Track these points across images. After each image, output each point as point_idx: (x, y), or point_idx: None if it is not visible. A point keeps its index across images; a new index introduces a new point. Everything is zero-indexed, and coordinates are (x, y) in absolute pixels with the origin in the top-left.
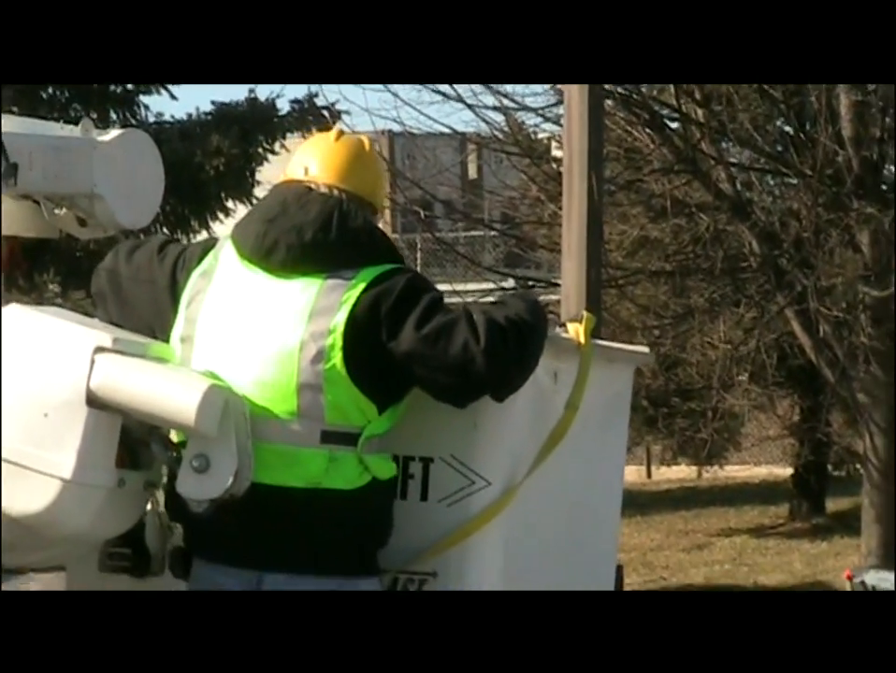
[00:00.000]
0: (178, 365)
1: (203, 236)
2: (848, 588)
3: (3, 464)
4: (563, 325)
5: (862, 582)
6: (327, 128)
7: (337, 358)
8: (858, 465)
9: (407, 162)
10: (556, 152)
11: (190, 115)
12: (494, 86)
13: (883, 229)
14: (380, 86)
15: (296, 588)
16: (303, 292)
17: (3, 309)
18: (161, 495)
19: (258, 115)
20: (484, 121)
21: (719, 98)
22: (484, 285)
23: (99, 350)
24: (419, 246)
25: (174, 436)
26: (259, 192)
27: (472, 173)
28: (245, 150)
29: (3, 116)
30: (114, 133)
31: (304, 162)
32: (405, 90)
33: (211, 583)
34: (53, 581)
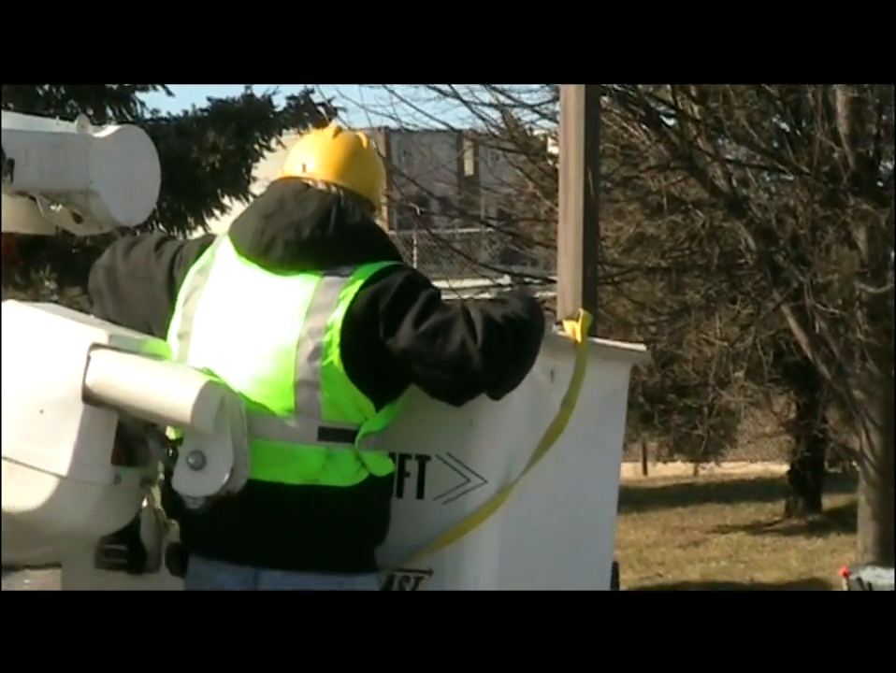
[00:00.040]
0: (174, 362)
1: (199, 232)
2: (845, 585)
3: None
4: (560, 323)
5: (859, 579)
6: (323, 125)
7: (334, 355)
8: (854, 462)
9: (403, 158)
10: (552, 149)
11: (186, 112)
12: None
13: (879, 226)
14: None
15: (293, 585)
16: (300, 288)
17: None
18: (157, 492)
19: (254, 112)
20: (481, 117)
21: (715, 95)
22: (480, 282)
23: (95, 346)
24: (415, 242)
25: (170, 433)
26: (255, 188)
27: (469, 169)
28: (241, 147)
29: None
30: (110, 129)
31: (302, 158)
32: (401, 86)
33: (208, 580)
34: (49, 578)
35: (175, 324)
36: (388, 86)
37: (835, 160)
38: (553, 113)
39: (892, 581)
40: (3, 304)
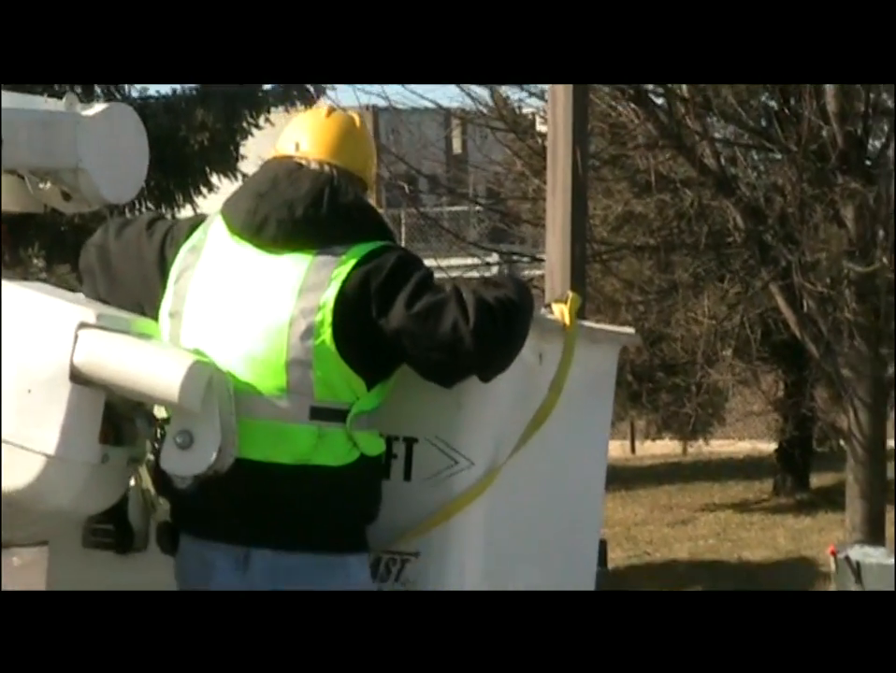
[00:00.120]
0: (164, 341)
1: (188, 210)
2: (832, 564)
3: None
4: (548, 306)
5: (847, 558)
6: (312, 102)
7: (326, 334)
8: (842, 441)
9: (391, 137)
10: (540, 127)
11: (175, 90)
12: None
13: (867, 204)
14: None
15: (284, 564)
16: (293, 267)
17: None
18: (144, 471)
19: (243, 90)
20: (469, 96)
21: None
22: (469, 260)
23: (83, 325)
24: (403, 221)
25: (158, 412)
26: (244, 166)
27: (457, 148)
28: (230, 125)
29: None
30: (99, 107)
31: (295, 137)
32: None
33: (199, 559)
34: (37, 555)
35: (166, 303)
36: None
37: (824, 138)
38: (541, 91)
39: (880, 560)
40: None
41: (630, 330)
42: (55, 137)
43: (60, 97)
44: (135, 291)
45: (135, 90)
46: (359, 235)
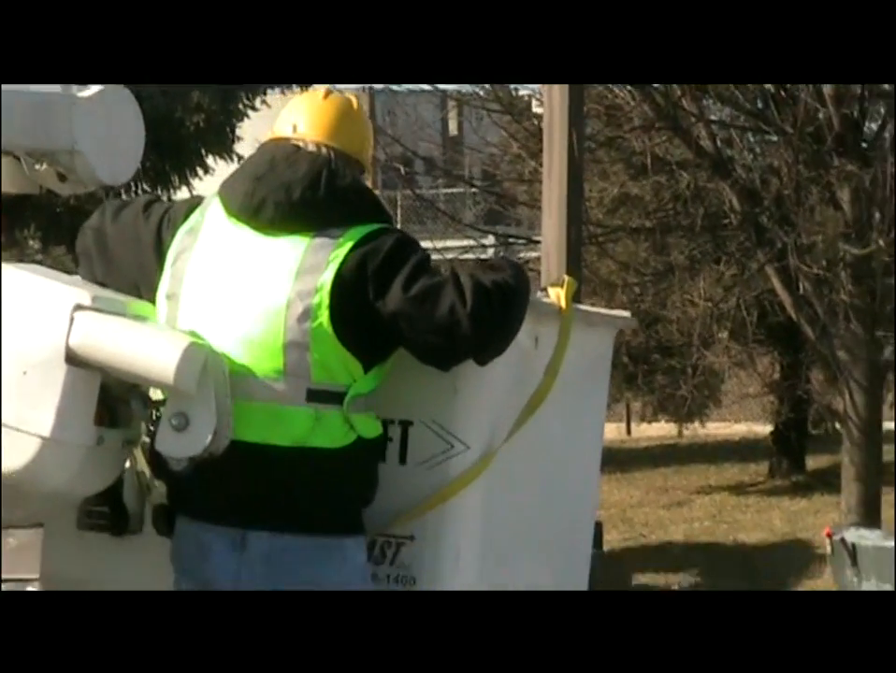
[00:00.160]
0: (160, 323)
1: (183, 192)
2: (828, 546)
3: None
4: (544, 290)
5: (842, 540)
6: (308, 84)
7: (323, 316)
8: (838, 423)
9: (387, 118)
10: (536, 109)
11: None
12: None
13: (863, 186)
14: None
15: (281, 546)
16: (290, 250)
17: None
18: (139, 454)
19: None
20: None
21: None
22: (465, 242)
23: (78, 307)
24: (399, 202)
25: (154, 394)
26: (240, 148)
27: (453, 129)
28: (225, 107)
29: None
30: (94, 89)
31: (292, 119)
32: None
33: (195, 541)
34: (33, 537)
35: (163, 285)
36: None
37: (820, 120)
38: None
39: (875, 542)
40: None
41: (626, 313)
42: (51, 119)
43: None
44: (131, 273)
45: None
46: (356, 217)
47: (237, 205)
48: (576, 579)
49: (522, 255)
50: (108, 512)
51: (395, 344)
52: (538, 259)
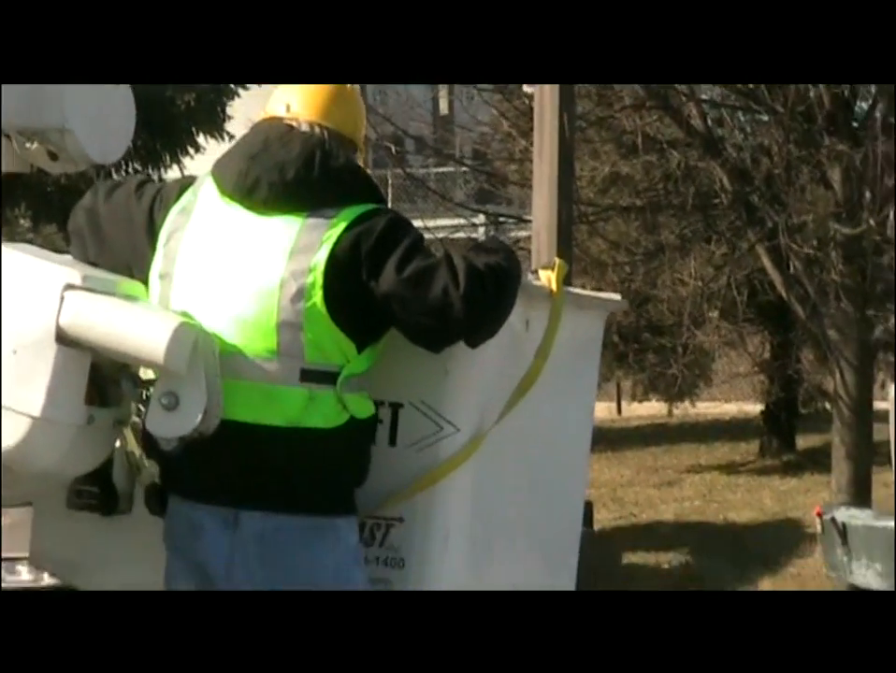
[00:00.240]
0: (153, 303)
1: (174, 170)
2: (818, 525)
3: None
4: (535, 272)
5: (833, 519)
6: None
7: (317, 296)
8: (828, 403)
9: (378, 97)
10: (527, 88)
11: None
12: None
13: (854, 166)
14: None
15: (273, 525)
16: (284, 229)
17: None
18: (129, 433)
19: None
20: None
21: None
22: (455, 221)
23: (69, 287)
24: (390, 182)
25: (144, 374)
26: (231, 126)
27: (444, 109)
28: (216, 85)
29: None
30: None
31: (286, 99)
32: None
33: (187, 520)
34: (25, 515)
35: (156, 265)
36: None
37: (811, 99)
38: None
39: (866, 521)
40: None
41: (617, 296)
42: (42, 98)
43: None
44: (124, 253)
45: None
46: (350, 197)
47: (230, 184)
48: (566, 560)
49: (512, 234)
50: (98, 492)
51: (388, 324)
52: (528, 238)
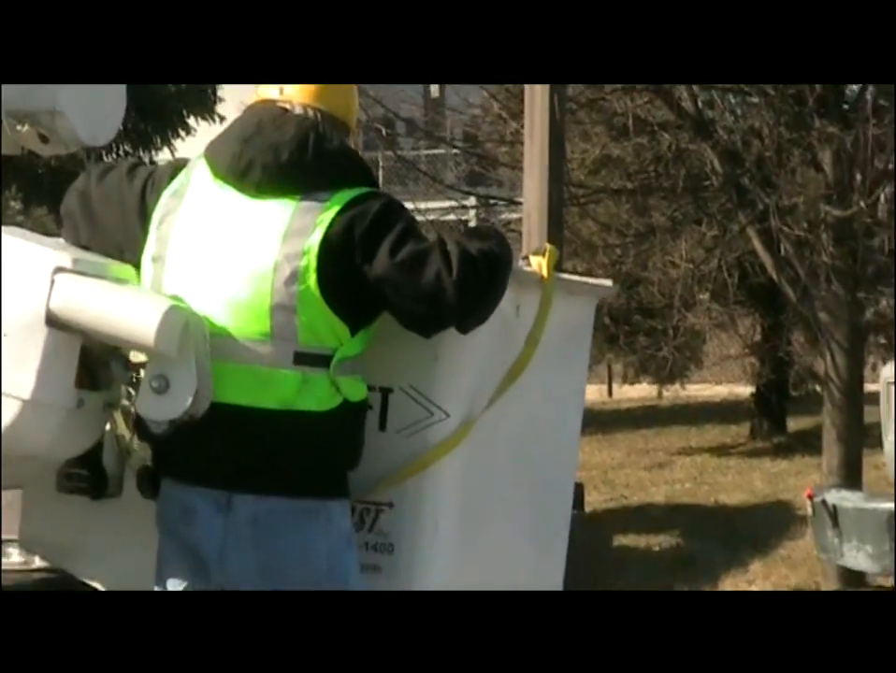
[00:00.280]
0: (144, 286)
1: (165, 153)
2: (809, 507)
3: None
4: (526, 258)
5: (823, 502)
6: None
7: (311, 279)
8: (818, 385)
9: None
10: None
11: None
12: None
13: (845, 148)
14: None
15: (266, 508)
16: (278, 212)
17: None
18: (119, 417)
19: None
20: None
21: None
22: (446, 203)
23: (59, 270)
24: (381, 164)
25: (135, 357)
26: (221, 108)
27: (434, 91)
28: None
29: None
30: None
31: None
32: None
33: (180, 503)
34: (12, 500)
35: (149, 248)
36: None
37: None
38: None
39: (856, 504)
40: None
41: (608, 282)
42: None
43: None
44: (116, 236)
45: None
46: (344, 180)
47: (223, 167)
48: (556, 543)
49: (503, 216)
50: (88, 475)
51: (381, 307)
52: (519, 220)
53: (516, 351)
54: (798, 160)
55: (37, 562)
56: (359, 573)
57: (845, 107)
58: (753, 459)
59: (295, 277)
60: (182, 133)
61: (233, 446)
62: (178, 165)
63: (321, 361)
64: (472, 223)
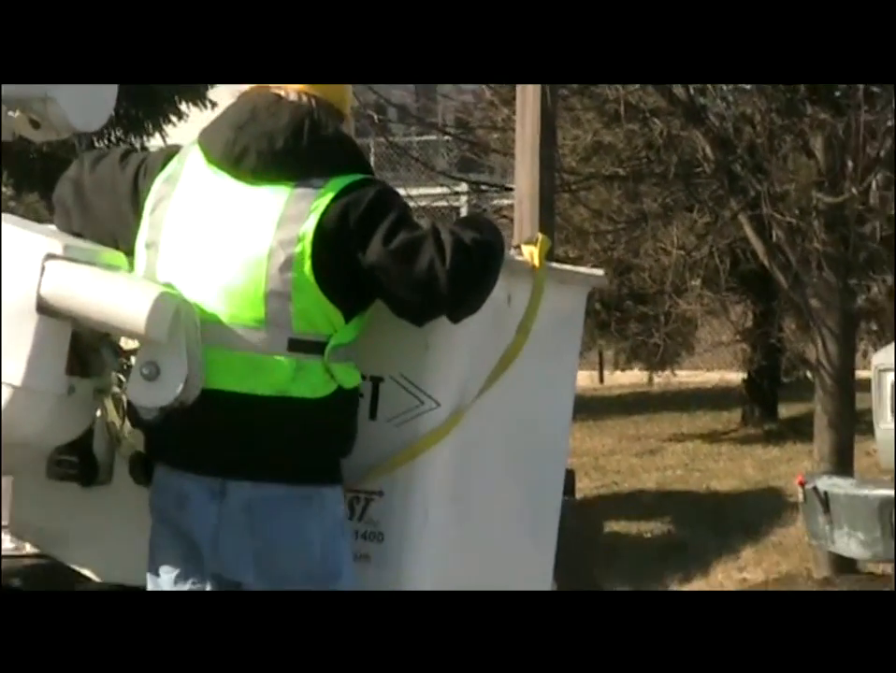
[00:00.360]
0: (137, 273)
1: (157, 139)
2: (800, 494)
3: None
4: (517, 247)
5: (815, 488)
6: None
7: (305, 266)
8: (810, 372)
9: None
10: None
11: None
12: None
13: (836, 135)
14: None
15: (260, 495)
16: (272, 199)
17: None
18: (110, 404)
19: None
20: None
21: None
22: (438, 189)
23: (50, 256)
24: (372, 150)
25: (125, 344)
26: (213, 94)
27: None
28: None
29: None
30: None
31: None
32: None
33: (174, 490)
34: (5, 484)
35: (142, 234)
36: None
37: None
38: None
39: (848, 490)
40: None
41: (599, 272)
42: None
43: None
44: (108, 224)
45: None
46: (338, 167)
47: (218, 153)
48: (546, 533)
49: (495, 202)
50: (78, 462)
51: (375, 294)
52: (511, 207)
53: (507, 341)
54: (789, 146)
55: (28, 548)
56: (352, 561)
57: (837, 93)
58: (744, 445)
59: (289, 263)
60: (174, 118)
61: (227, 433)
62: (170, 152)
63: (315, 347)
64: (464, 210)
